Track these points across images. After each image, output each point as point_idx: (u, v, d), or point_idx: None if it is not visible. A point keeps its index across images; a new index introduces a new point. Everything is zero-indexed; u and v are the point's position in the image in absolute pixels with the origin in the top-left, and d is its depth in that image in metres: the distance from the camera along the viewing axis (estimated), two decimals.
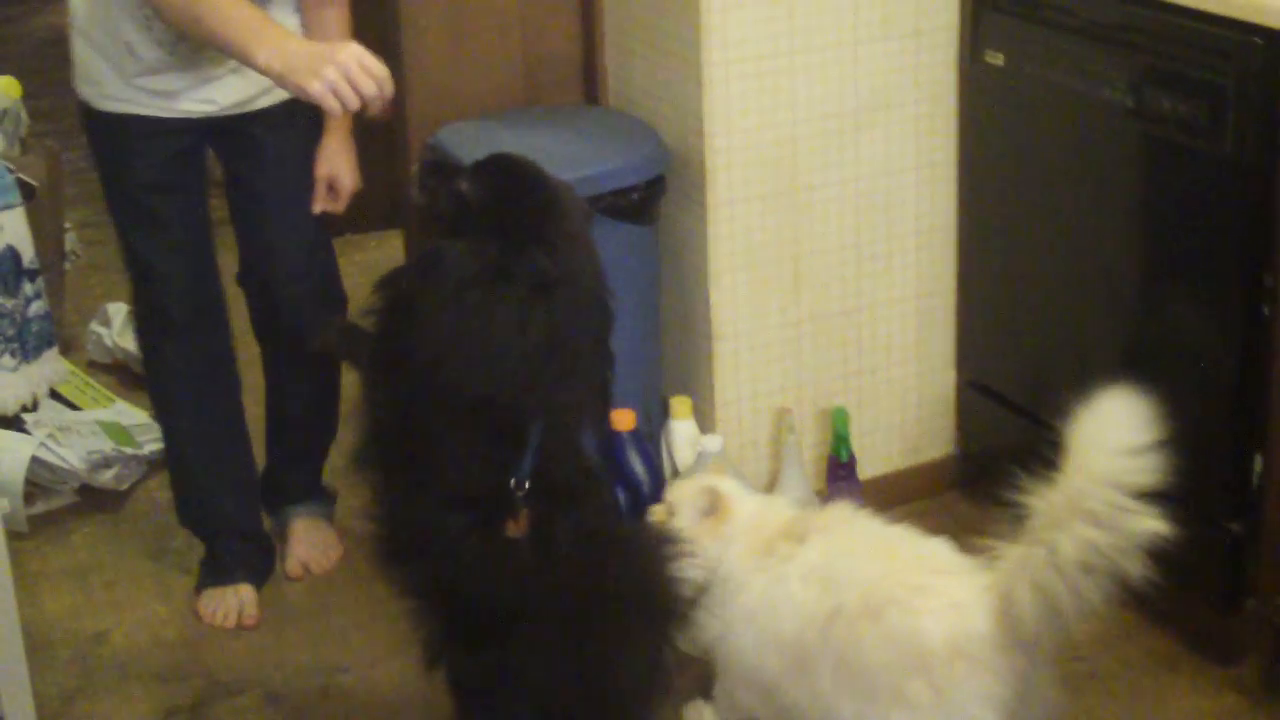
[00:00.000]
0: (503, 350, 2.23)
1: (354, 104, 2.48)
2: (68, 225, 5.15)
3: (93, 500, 3.75)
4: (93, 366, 4.34)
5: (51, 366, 3.00)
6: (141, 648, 3.24)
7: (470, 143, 3.28)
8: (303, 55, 2.54)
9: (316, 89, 2.48)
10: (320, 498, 3.50)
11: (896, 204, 3.34)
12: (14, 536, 3.55)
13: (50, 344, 2.98)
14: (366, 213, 3.94)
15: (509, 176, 2.37)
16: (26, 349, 2.91)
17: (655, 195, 3.23)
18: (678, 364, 3.39)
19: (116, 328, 4.30)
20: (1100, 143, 2.98)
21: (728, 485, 2.68)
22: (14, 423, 3.69)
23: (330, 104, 2.50)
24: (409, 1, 3.46)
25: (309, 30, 3.02)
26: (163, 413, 3.34)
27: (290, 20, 2.98)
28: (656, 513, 2.68)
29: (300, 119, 3.03)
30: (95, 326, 4.36)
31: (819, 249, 3.30)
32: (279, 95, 2.92)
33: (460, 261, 2.25)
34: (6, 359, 2.87)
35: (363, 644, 3.19)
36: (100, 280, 4.93)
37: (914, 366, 3.45)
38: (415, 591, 2.47)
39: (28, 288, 2.92)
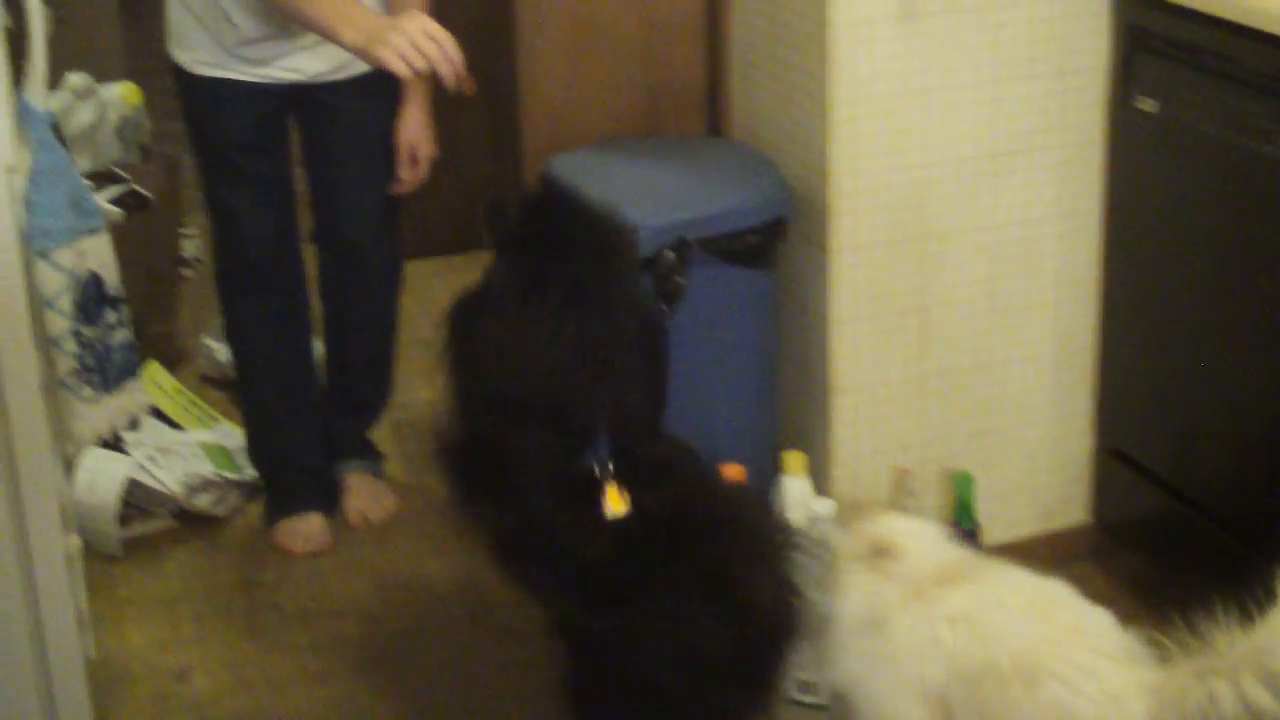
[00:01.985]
0: (538, 356, 2.41)
1: (421, 66, 2.67)
2: (192, 232, 5.10)
3: (189, 525, 3.66)
4: (205, 381, 4.27)
5: (132, 398, 2.92)
6: (223, 688, 3.13)
7: (584, 172, 3.16)
8: (375, 27, 2.76)
9: (385, 54, 2.69)
10: (372, 454, 3.72)
11: (1034, 254, 3.14)
12: (106, 560, 3.49)
13: (133, 374, 2.91)
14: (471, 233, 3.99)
15: (546, 200, 2.63)
16: (107, 380, 2.83)
17: (775, 238, 3.05)
18: (793, 417, 3.21)
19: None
20: (1259, 199, 2.75)
21: (902, 525, 2.55)
22: (113, 442, 3.60)
23: (398, 67, 2.69)
24: (527, 24, 3.34)
25: (391, 6, 3.15)
26: (240, 358, 3.55)
27: None
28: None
29: (379, 91, 3.22)
30: (208, 340, 4.29)
31: (948, 300, 3.10)
32: (360, 68, 3.12)
33: (497, 277, 2.48)
34: (86, 390, 2.80)
35: (446, 696, 3.06)
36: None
37: (1047, 429, 3.25)
38: (529, 585, 2.65)
39: (110, 316, 2.84)
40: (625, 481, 2.48)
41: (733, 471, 2.98)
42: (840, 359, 3.08)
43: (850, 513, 2.59)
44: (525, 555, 2.55)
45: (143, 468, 3.60)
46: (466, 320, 2.51)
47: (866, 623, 2.45)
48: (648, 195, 3.07)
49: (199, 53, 3.18)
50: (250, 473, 3.70)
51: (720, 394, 3.08)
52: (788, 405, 3.22)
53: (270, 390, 3.53)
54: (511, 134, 3.44)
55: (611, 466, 2.47)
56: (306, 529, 3.53)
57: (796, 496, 3.07)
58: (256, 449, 3.61)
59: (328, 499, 3.61)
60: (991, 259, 3.11)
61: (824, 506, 2.94)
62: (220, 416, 3.97)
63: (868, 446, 3.13)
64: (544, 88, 3.36)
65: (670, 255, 2.91)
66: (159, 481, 3.61)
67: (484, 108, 4.04)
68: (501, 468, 2.48)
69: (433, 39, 2.66)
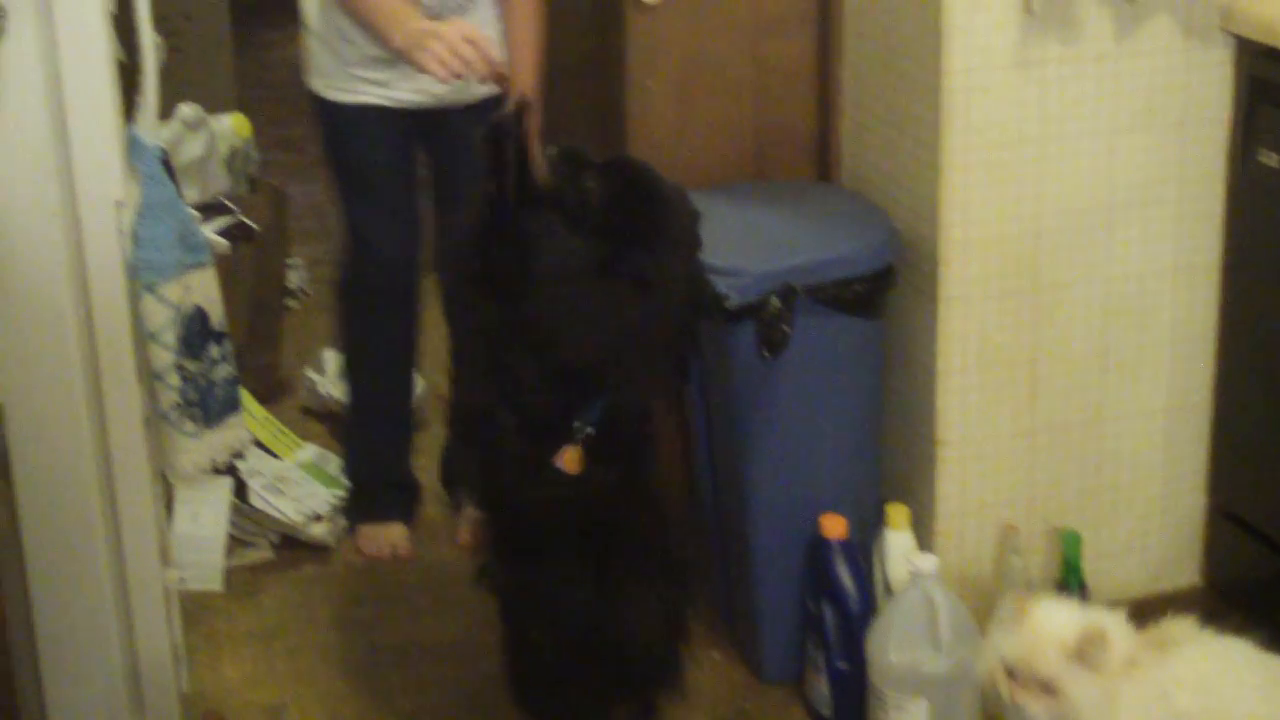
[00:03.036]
0: (597, 331, 2.63)
1: (458, 69, 2.83)
2: (298, 262, 5.12)
3: (289, 557, 3.66)
4: (305, 413, 4.28)
5: (234, 433, 2.90)
6: None
7: None
8: (419, 33, 2.92)
9: (423, 58, 2.86)
10: None
11: (1150, 308, 3.07)
12: (204, 592, 3.49)
13: (235, 409, 2.90)
14: None
15: (629, 181, 2.71)
16: (209, 415, 2.82)
17: (883, 287, 3.00)
18: (897, 469, 3.16)
19: (330, 374, 4.22)
20: None
21: (1102, 620, 2.47)
22: (225, 470, 3.62)
23: (436, 70, 2.86)
24: (637, 64, 3.30)
25: (504, 20, 3.31)
26: (351, 372, 3.71)
27: (489, 12, 3.29)
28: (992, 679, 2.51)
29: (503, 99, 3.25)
30: (310, 373, 4.30)
31: (1060, 353, 3.04)
32: (480, 92, 3.27)
33: (578, 254, 2.62)
34: (188, 424, 2.79)
35: None
36: (325, 321, 4.87)
37: (1159, 488, 3.17)
38: (480, 501, 2.95)
39: (214, 350, 2.83)
40: (588, 449, 2.68)
41: (834, 523, 2.94)
42: (947, 411, 3.02)
43: (1011, 615, 2.49)
44: (481, 466, 2.83)
45: (260, 496, 3.62)
46: (518, 250, 2.65)
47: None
48: (754, 240, 3.03)
49: (330, 78, 3.36)
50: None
51: (824, 444, 3.03)
52: (892, 457, 3.17)
53: (374, 404, 3.67)
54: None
55: (591, 429, 2.67)
56: (389, 535, 3.65)
57: (899, 550, 3.01)
58: (354, 459, 3.75)
59: (409, 512, 3.73)
60: (1105, 312, 3.05)
61: (926, 564, 2.88)
62: (306, 443, 3.97)
63: (973, 501, 3.07)
64: (652, 128, 3.32)
65: (776, 302, 2.87)
66: (278, 510, 3.62)
67: (593, 148, 4.01)
68: (500, 392, 2.69)
69: (471, 43, 2.82)
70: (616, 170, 2.74)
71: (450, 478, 3.80)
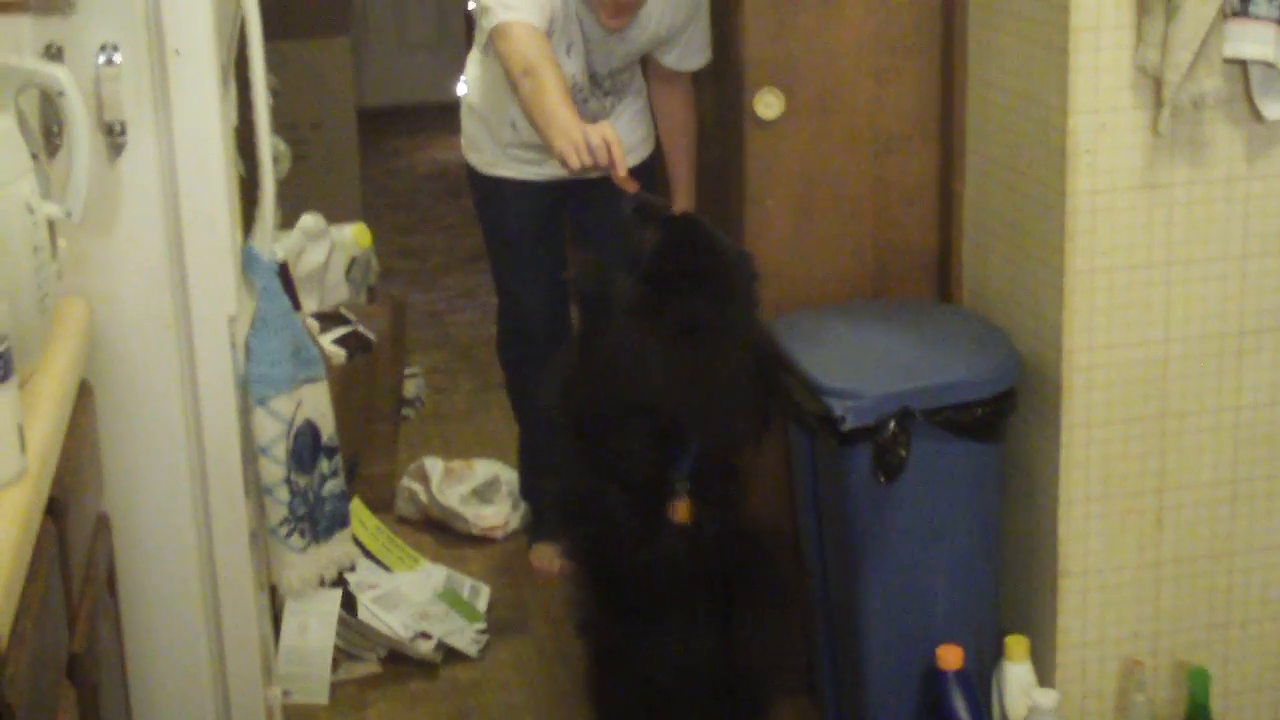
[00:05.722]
0: (651, 373, 2.76)
1: (587, 161, 3.01)
2: (416, 371, 5.13)
3: (395, 672, 3.62)
4: (401, 521, 4.26)
5: (342, 549, 2.90)
6: None
7: (807, 334, 3.11)
8: (573, 132, 3.08)
9: (560, 146, 3.05)
10: None
11: None
12: (310, 706, 3.47)
13: (344, 525, 2.90)
14: None
15: (686, 234, 2.90)
16: (317, 529, 2.82)
17: (1004, 411, 2.93)
18: (1017, 599, 3.07)
19: (435, 483, 4.21)
20: None
21: None
22: (336, 581, 3.59)
23: (568, 158, 3.02)
24: (755, 179, 3.28)
25: (657, 104, 3.76)
26: (518, 411, 4.07)
27: (635, 104, 3.73)
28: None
29: (642, 182, 3.37)
30: (408, 482, 4.28)
31: (1188, 483, 2.94)
32: (628, 162, 3.36)
33: (632, 297, 2.82)
34: (295, 538, 2.78)
35: None
36: (439, 430, 4.87)
37: None
38: (577, 556, 3.04)
39: (324, 465, 2.83)
40: (693, 499, 2.86)
41: (951, 654, 2.86)
42: (1070, 540, 2.93)
43: None
44: (582, 522, 2.96)
45: (369, 609, 3.59)
46: (602, 323, 2.88)
47: None
48: (871, 361, 2.97)
49: (485, 154, 3.75)
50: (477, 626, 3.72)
51: (940, 571, 2.95)
52: (1012, 586, 3.07)
53: (541, 437, 3.93)
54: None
55: (689, 481, 2.85)
56: (556, 556, 3.91)
57: (1018, 684, 2.92)
58: (527, 486, 4.13)
59: None
60: (1235, 441, 2.95)
61: (1047, 700, 2.78)
62: (420, 556, 3.95)
63: (1095, 634, 2.97)
64: (770, 244, 3.27)
65: (893, 425, 2.81)
66: (386, 624, 3.59)
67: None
68: (598, 450, 2.87)
69: (606, 143, 3.00)
70: (679, 223, 2.95)
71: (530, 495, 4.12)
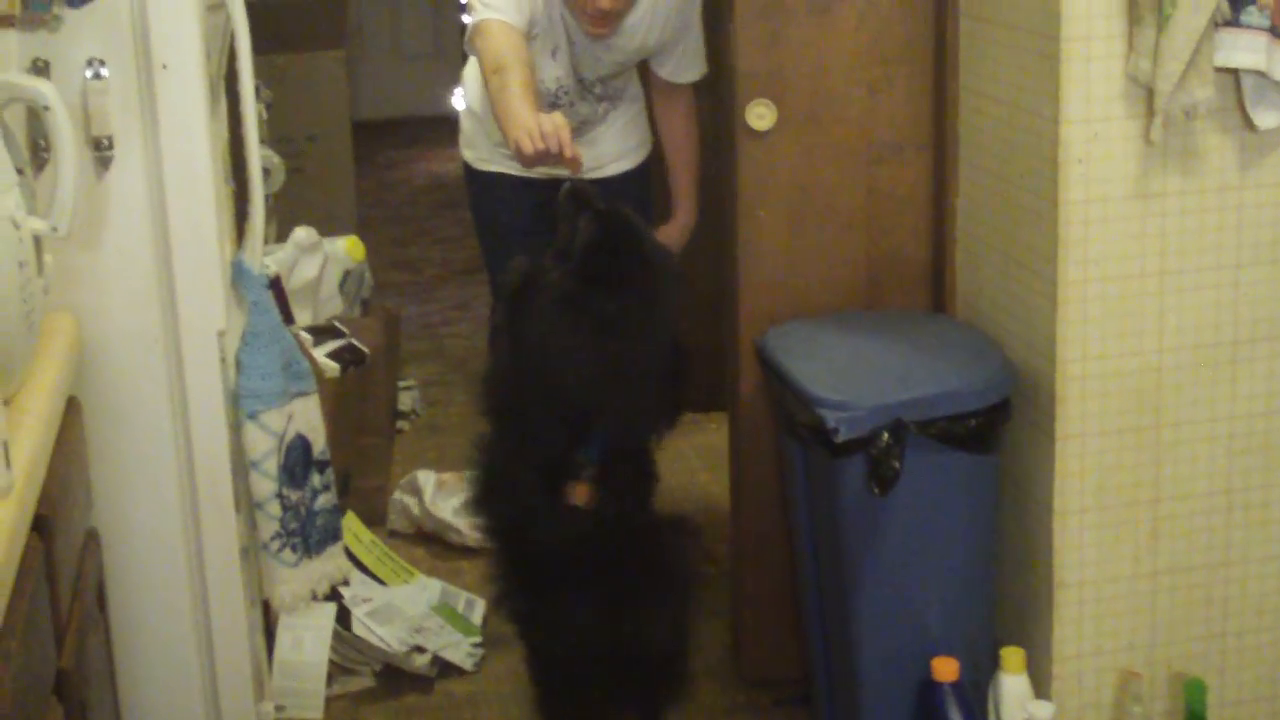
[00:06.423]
0: (566, 362, 2.86)
1: (540, 147, 3.01)
2: (411, 383, 5.12)
3: (390, 686, 3.61)
4: (394, 536, 4.25)
5: (335, 563, 2.88)
6: None
7: (800, 344, 3.10)
8: (527, 122, 3.09)
9: (514, 135, 3.07)
10: None
11: (1276, 446, 2.96)
12: None
13: (335, 539, 2.89)
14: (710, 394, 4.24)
15: (614, 230, 2.99)
16: (309, 544, 2.81)
17: (997, 422, 2.91)
18: (1012, 611, 3.05)
19: (428, 496, 4.20)
20: None
21: None
22: (330, 595, 3.58)
23: (522, 143, 3.02)
24: (750, 189, 3.27)
25: (658, 115, 3.83)
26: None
27: (630, 110, 3.78)
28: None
29: (627, 193, 3.55)
30: (400, 495, 4.28)
31: (1182, 493, 2.93)
32: (613, 169, 3.75)
33: (553, 288, 2.92)
34: (287, 553, 2.77)
35: None
36: (435, 442, 4.86)
37: None
38: (491, 532, 3.11)
39: (315, 479, 2.82)
40: (596, 484, 2.94)
41: (946, 665, 2.85)
42: (1065, 551, 2.92)
43: None
44: (498, 501, 3.04)
45: (364, 623, 3.58)
46: (527, 312, 2.95)
47: None
48: (864, 372, 2.96)
49: (479, 151, 3.83)
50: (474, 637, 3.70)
51: (935, 583, 2.93)
52: (1007, 598, 3.06)
53: None
54: (729, 302, 3.36)
55: (595, 468, 2.93)
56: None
57: (1014, 696, 2.90)
58: None
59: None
60: (1229, 451, 2.94)
61: (1043, 712, 2.77)
62: (415, 570, 3.93)
63: (1091, 646, 2.96)
64: (764, 257, 3.27)
65: (886, 437, 2.80)
66: (381, 639, 3.57)
67: (707, 276, 3.99)
68: (516, 432, 2.97)
69: (556, 129, 3.01)
70: (609, 218, 3.01)
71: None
